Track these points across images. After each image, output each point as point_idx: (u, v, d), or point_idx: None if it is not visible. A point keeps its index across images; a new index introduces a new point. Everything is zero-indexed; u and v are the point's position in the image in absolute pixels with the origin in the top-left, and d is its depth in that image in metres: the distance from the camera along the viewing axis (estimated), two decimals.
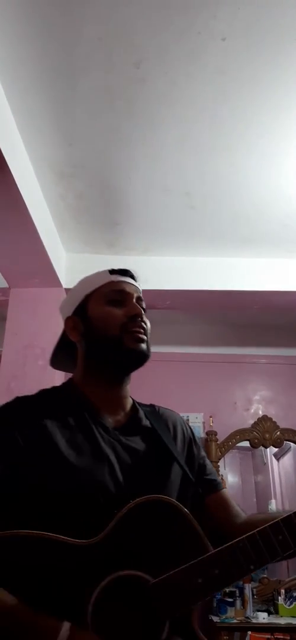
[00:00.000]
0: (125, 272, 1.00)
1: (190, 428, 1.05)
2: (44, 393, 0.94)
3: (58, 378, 2.50)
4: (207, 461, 1.03)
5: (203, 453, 1.03)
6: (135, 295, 0.98)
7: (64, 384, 0.99)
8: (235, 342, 3.90)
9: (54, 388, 0.97)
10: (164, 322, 3.67)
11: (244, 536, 0.75)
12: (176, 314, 3.60)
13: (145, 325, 0.94)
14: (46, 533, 0.73)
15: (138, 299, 0.99)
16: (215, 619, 2.89)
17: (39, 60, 1.85)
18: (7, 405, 0.88)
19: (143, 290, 1.01)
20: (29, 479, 0.79)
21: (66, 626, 0.66)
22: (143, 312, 0.95)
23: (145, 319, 0.95)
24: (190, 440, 1.02)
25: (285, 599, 3.03)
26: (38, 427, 0.84)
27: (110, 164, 2.38)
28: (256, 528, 0.76)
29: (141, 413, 0.98)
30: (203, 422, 3.62)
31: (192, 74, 1.89)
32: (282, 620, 2.89)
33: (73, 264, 3.06)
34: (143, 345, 0.92)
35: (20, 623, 0.67)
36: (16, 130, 2.15)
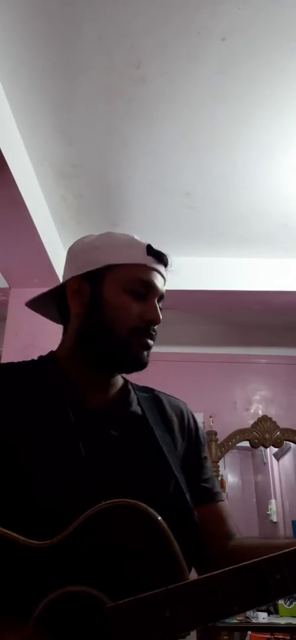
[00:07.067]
0: (161, 258, 0.84)
1: (194, 421, 0.89)
2: (21, 366, 0.83)
3: None
4: (207, 464, 0.87)
5: (204, 454, 0.88)
6: (160, 292, 0.83)
7: (43, 358, 0.86)
8: (235, 342, 3.90)
9: (33, 362, 0.84)
10: (164, 322, 3.65)
11: (229, 568, 0.59)
12: (176, 314, 3.60)
13: (155, 334, 0.82)
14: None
15: (161, 297, 0.84)
16: None
17: (39, 59, 1.85)
18: None
19: None
20: None
21: None
22: (160, 318, 0.82)
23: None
24: (190, 436, 0.87)
25: (285, 599, 3.03)
26: (4, 402, 0.75)
27: (110, 163, 2.38)
28: (246, 556, 0.60)
29: (132, 397, 0.86)
30: (203, 422, 3.61)
31: (192, 73, 1.89)
32: (282, 620, 2.89)
33: None
34: (146, 354, 0.81)
35: None
36: (16, 130, 2.15)
